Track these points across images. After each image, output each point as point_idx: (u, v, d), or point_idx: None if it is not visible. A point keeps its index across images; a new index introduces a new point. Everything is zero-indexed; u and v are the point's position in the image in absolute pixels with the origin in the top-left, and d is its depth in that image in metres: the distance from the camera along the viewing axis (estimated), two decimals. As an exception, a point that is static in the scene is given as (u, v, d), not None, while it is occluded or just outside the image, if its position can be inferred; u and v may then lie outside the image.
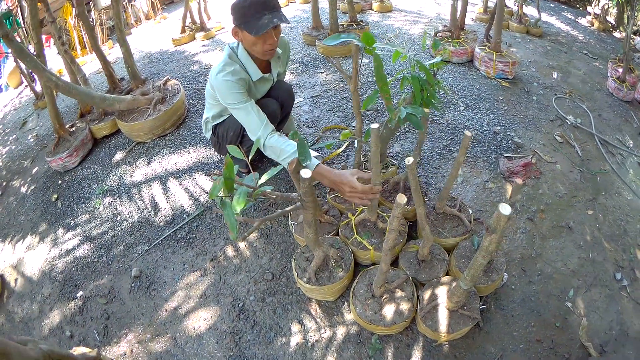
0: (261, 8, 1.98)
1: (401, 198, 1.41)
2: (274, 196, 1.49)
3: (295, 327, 2.07)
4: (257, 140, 2.06)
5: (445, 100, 3.53)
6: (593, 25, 6.51)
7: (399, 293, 1.92)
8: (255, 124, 2.10)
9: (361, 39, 1.52)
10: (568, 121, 3.45)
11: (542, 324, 2.06)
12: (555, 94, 3.83)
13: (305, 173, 1.45)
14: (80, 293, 2.48)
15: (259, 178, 1.42)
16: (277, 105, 2.40)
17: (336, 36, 1.56)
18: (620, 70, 4.19)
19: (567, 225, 2.53)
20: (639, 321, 2.19)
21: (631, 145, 3.52)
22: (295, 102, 2.67)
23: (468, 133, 1.79)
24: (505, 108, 3.47)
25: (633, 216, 2.76)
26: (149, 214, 2.79)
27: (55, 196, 3.19)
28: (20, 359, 1.57)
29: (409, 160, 1.55)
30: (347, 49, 4.22)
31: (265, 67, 2.35)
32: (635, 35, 6.45)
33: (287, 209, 1.63)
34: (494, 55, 3.82)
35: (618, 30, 6.51)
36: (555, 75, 4.22)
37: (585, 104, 3.83)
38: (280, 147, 2.02)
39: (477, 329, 2.00)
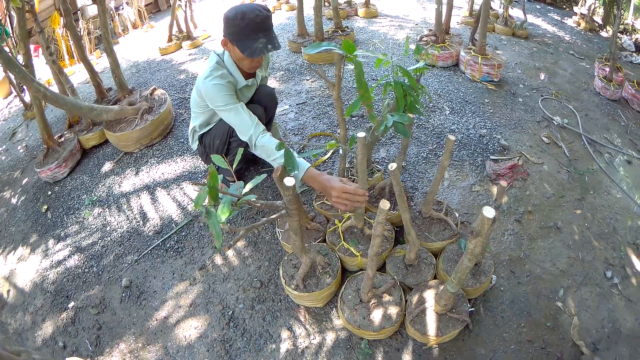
0: (257, 29, 2.00)
1: (384, 204, 1.42)
2: (259, 205, 1.49)
3: (284, 334, 2.07)
4: (249, 139, 2.09)
5: (431, 104, 3.55)
6: (579, 26, 6.56)
7: (386, 298, 1.92)
8: (246, 123, 2.12)
9: (342, 47, 1.53)
10: (555, 122, 3.48)
11: (533, 325, 2.07)
12: (542, 95, 3.86)
13: (289, 181, 1.46)
14: (71, 304, 2.47)
15: (244, 187, 1.42)
16: (262, 109, 2.42)
17: (317, 45, 1.57)
18: (607, 69, 4.21)
19: (556, 225, 2.55)
20: (632, 318, 2.20)
21: (619, 144, 3.54)
22: (280, 109, 2.69)
23: (451, 137, 1.81)
24: (491, 111, 3.50)
25: (622, 214, 2.78)
26: (138, 224, 2.79)
27: (45, 207, 3.18)
28: (14, 369, 1.57)
29: (392, 166, 1.55)
30: (331, 56, 4.24)
31: (249, 73, 2.37)
32: (622, 34, 6.50)
33: (272, 217, 1.64)
34: (479, 58, 3.85)
35: (605, 30, 6.56)
36: (542, 76, 4.25)
37: (572, 104, 3.86)
38: (271, 147, 2.05)
39: (467, 332, 2.01)
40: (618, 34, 4.21)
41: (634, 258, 2.52)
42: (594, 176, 3.02)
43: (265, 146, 2.07)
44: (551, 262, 2.36)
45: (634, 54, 5.77)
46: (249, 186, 1.40)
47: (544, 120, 3.49)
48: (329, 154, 2.97)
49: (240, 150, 1.53)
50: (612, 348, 2.06)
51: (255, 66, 2.20)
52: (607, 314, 2.18)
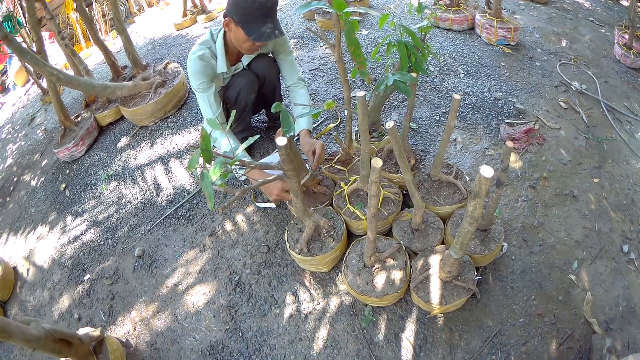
0: (266, 14, 2.04)
1: (376, 162, 1.39)
2: (253, 166, 1.49)
3: (289, 299, 2.08)
4: (205, 127, 2.24)
5: (445, 67, 3.47)
6: (600, -7, 6.27)
7: (390, 262, 1.89)
8: (207, 114, 2.33)
9: (332, 5, 1.49)
10: (573, 87, 3.34)
11: (544, 298, 1.98)
12: (560, 60, 3.71)
13: (281, 141, 1.44)
14: (87, 276, 2.54)
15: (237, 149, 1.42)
16: (252, 77, 2.46)
17: (307, 4, 1.55)
18: (627, 36, 4.02)
19: (572, 193, 2.44)
20: (648, 297, 2.07)
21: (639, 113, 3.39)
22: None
23: (456, 96, 1.73)
24: (507, 74, 3.39)
25: (643, 185, 2.65)
26: (152, 194, 2.84)
27: (64, 185, 3.26)
28: (23, 337, 1.62)
29: (390, 124, 1.51)
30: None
31: (236, 58, 2.45)
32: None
33: (268, 179, 1.63)
34: (495, 21, 3.72)
35: (626, -2, 6.26)
36: (564, 43, 4.08)
37: (591, 71, 3.70)
38: (218, 143, 2.28)
39: (474, 301, 1.94)
40: (637, 2, 3.97)
41: (653, 233, 2.37)
42: (613, 144, 2.88)
43: (217, 140, 2.27)
44: (566, 231, 2.25)
45: (656, 23, 5.48)
46: (242, 147, 1.39)
47: (562, 85, 3.35)
48: (337, 122, 2.96)
49: (233, 113, 1.52)
50: (625, 329, 1.94)
51: (255, 49, 2.25)
52: (622, 291, 2.06)
